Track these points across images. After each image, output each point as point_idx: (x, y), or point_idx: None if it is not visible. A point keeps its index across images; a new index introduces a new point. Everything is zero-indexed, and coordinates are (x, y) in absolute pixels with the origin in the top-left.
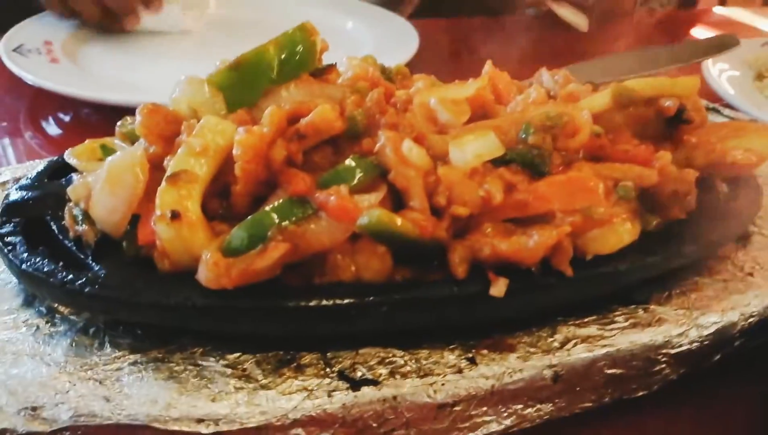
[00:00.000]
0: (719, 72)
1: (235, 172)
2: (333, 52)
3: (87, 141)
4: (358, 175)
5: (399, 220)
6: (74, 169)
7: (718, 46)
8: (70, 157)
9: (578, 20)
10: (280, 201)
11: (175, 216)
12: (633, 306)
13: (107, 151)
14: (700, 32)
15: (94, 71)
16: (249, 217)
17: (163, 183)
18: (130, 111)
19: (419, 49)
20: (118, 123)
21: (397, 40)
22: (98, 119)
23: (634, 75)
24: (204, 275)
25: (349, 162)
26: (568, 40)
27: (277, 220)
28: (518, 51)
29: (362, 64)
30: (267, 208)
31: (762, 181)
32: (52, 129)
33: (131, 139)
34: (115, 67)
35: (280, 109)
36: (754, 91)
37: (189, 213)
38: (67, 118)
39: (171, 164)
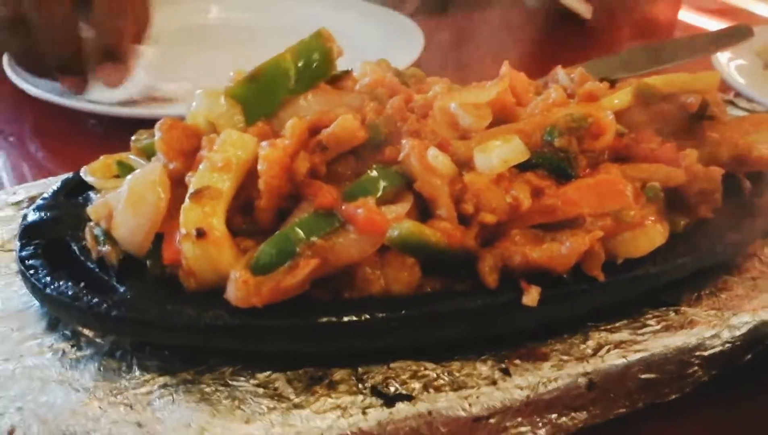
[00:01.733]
0: (728, 61)
1: (259, 186)
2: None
3: (102, 157)
4: (384, 185)
5: (428, 231)
6: (90, 187)
7: (732, 37)
8: (86, 174)
9: (581, 8)
10: (306, 215)
11: (201, 234)
12: (663, 308)
13: (123, 167)
14: (706, 22)
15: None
16: (276, 232)
17: (187, 200)
18: (138, 121)
19: (423, 47)
20: (133, 137)
21: (402, 40)
22: (105, 131)
23: (649, 70)
24: (233, 294)
25: (374, 172)
26: (573, 32)
27: (304, 235)
28: (523, 46)
29: (378, 70)
30: (293, 223)
31: None
32: (58, 142)
33: (147, 154)
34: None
35: (302, 121)
36: (765, 81)
37: (214, 230)
38: (73, 131)
39: (193, 181)
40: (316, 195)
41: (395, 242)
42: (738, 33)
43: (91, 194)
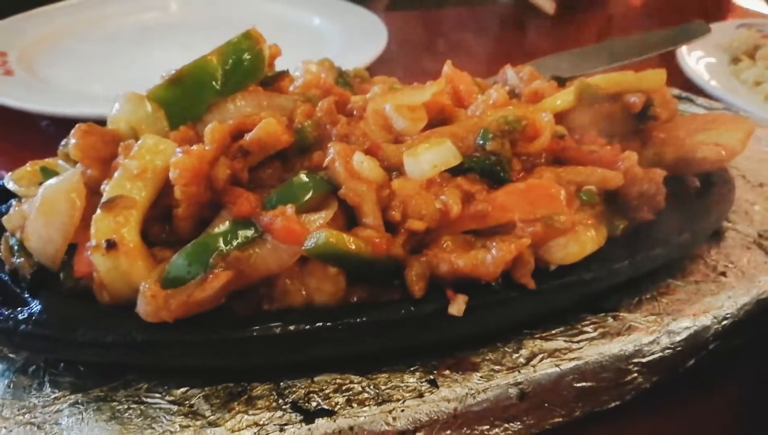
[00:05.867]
0: (696, 60)
1: (176, 195)
2: (298, 50)
3: (28, 163)
4: (307, 192)
5: (350, 240)
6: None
7: (688, 34)
8: (9, 181)
9: (544, 3)
10: (224, 224)
11: (111, 245)
12: (602, 314)
13: (48, 173)
14: (675, 15)
15: (52, 82)
16: (190, 243)
17: (98, 210)
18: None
19: (391, 43)
20: (62, 142)
21: (365, 37)
22: (57, 131)
23: (603, 67)
24: (142, 308)
25: (297, 178)
26: (540, 28)
27: (219, 246)
28: (489, 43)
29: (318, 69)
30: (209, 233)
31: (735, 174)
32: (8, 144)
33: (74, 159)
34: (75, 78)
35: (222, 126)
36: (729, 76)
37: (126, 241)
38: (24, 132)
39: (107, 189)
40: (235, 203)
41: (312, 253)
42: (695, 30)
43: (13, 202)
